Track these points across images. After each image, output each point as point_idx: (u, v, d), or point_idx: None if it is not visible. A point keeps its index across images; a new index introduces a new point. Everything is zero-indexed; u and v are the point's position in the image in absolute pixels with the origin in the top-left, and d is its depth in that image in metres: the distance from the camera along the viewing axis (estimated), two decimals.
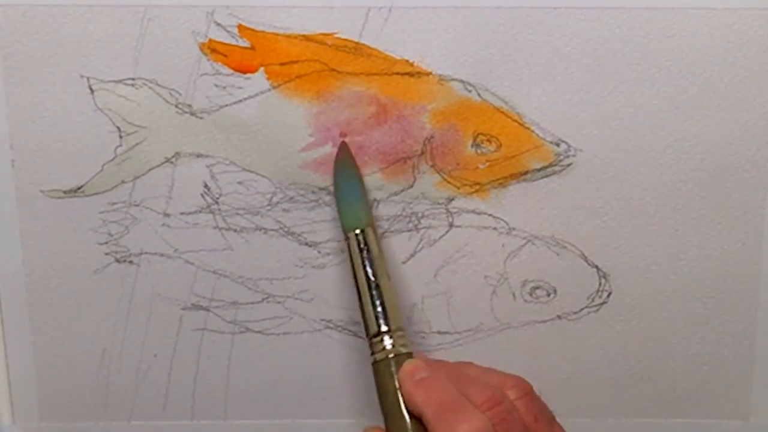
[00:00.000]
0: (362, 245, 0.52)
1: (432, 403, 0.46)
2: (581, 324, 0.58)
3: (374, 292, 0.50)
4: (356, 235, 0.52)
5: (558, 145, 0.55)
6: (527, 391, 0.48)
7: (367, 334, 0.50)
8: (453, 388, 0.47)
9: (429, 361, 0.50)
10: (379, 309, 0.50)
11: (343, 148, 0.54)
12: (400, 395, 0.48)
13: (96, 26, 0.53)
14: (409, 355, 0.49)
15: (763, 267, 0.57)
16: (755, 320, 0.58)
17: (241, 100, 0.54)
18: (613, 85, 0.54)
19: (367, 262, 0.51)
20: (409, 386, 0.47)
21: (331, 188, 0.55)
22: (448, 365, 0.50)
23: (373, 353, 0.50)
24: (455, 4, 0.52)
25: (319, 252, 0.56)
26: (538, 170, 0.55)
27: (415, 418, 0.47)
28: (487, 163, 0.55)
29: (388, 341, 0.49)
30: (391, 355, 0.49)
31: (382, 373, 0.49)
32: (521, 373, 0.58)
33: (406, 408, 0.47)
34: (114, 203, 0.56)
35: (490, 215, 0.56)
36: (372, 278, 0.51)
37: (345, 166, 0.54)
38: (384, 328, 0.50)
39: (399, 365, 0.49)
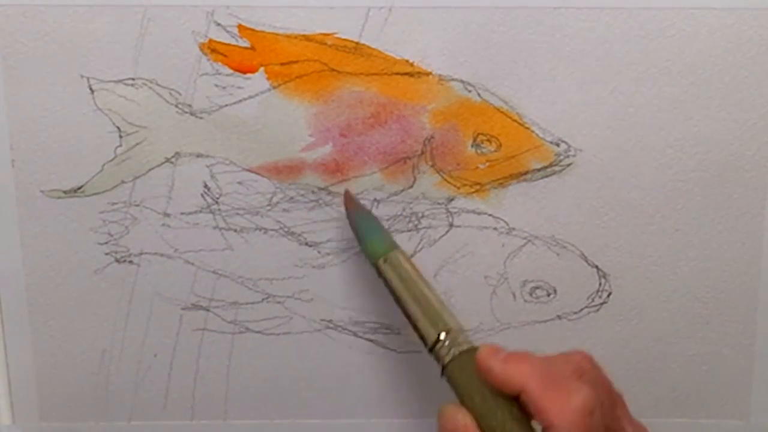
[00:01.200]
0: (393, 267, 0.51)
1: (534, 375, 0.44)
2: (581, 324, 0.58)
3: (420, 304, 0.50)
4: (383, 261, 0.52)
5: (558, 145, 0.55)
6: (594, 363, 0.47)
7: (428, 347, 0.49)
8: (543, 359, 0.45)
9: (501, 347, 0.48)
10: (430, 317, 0.49)
11: (347, 195, 0.55)
12: (485, 385, 0.45)
13: (96, 26, 0.53)
14: (476, 349, 0.47)
15: (763, 267, 0.57)
16: (755, 320, 0.58)
17: (241, 100, 0.54)
18: (613, 85, 0.54)
19: (399, 282, 0.51)
20: (498, 365, 0.45)
21: (331, 188, 0.55)
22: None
23: (439, 360, 0.48)
24: (455, 4, 0.52)
25: (319, 252, 0.56)
26: (538, 170, 0.55)
27: (512, 398, 0.45)
28: (487, 163, 0.55)
29: (448, 343, 0.48)
30: (458, 352, 0.47)
31: (458, 372, 0.47)
32: None
33: (500, 391, 0.45)
34: (114, 203, 0.56)
35: (490, 215, 0.56)
36: (413, 293, 0.50)
37: (355, 205, 0.54)
38: (443, 336, 0.48)
39: (470, 360, 0.46)
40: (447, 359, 0.47)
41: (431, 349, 0.48)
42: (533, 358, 0.45)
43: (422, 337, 0.49)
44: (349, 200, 0.54)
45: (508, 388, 0.45)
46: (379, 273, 0.52)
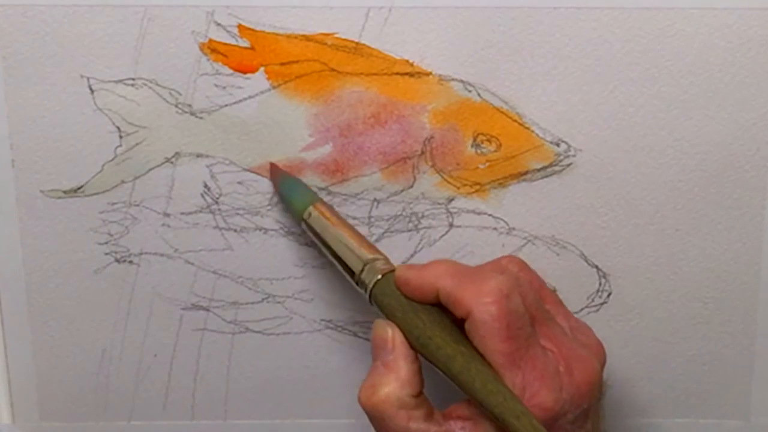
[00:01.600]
0: (313, 223, 0.52)
1: (448, 272, 0.45)
2: None
3: (337, 249, 0.50)
4: (307, 216, 0.52)
5: (558, 145, 0.55)
6: (523, 266, 0.48)
7: (353, 278, 0.49)
8: (459, 263, 0.46)
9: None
10: (351, 254, 0.50)
11: (272, 167, 0.55)
12: (406, 300, 0.46)
13: (96, 26, 0.53)
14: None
15: (763, 267, 0.57)
16: (755, 320, 0.58)
17: (241, 100, 0.54)
18: (613, 85, 0.54)
19: (322, 232, 0.51)
20: (414, 273, 0.46)
21: (331, 188, 0.55)
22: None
23: (365, 291, 0.49)
24: (455, 4, 0.52)
25: (319, 252, 0.56)
26: (538, 170, 0.55)
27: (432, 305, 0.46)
28: (487, 163, 0.55)
29: (368, 271, 0.49)
30: (380, 277, 0.48)
31: (380, 295, 0.48)
32: None
33: (420, 299, 0.46)
34: (114, 203, 0.56)
35: (490, 215, 0.56)
36: (331, 240, 0.51)
37: (279, 174, 0.55)
38: (363, 267, 0.49)
39: (391, 280, 0.48)
40: (370, 286, 0.48)
41: (357, 283, 0.49)
42: (448, 261, 0.46)
43: (350, 275, 0.50)
44: (274, 171, 0.55)
45: (425, 293, 0.46)
46: (306, 230, 0.53)
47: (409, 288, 0.47)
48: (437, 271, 0.46)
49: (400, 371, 0.46)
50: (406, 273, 0.47)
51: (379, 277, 0.48)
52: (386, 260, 0.50)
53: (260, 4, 0.53)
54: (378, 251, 0.50)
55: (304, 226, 0.53)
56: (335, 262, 0.51)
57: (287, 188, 0.54)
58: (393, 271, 0.48)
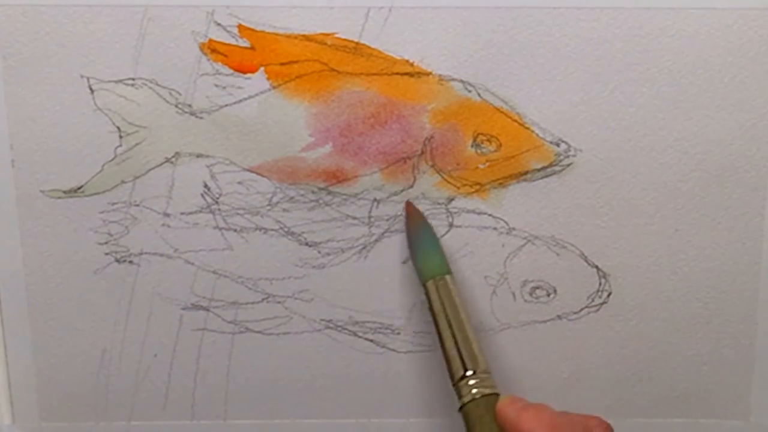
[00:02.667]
0: (441, 292, 0.52)
1: (544, 423, 0.46)
2: (581, 324, 0.58)
3: (457, 337, 0.51)
4: (434, 282, 0.53)
5: (558, 145, 0.55)
6: (609, 429, 0.49)
7: (453, 381, 0.50)
8: (558, 413, 0.47)
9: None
10: (464, 352, 0.50)
11: (410, 206, 0.55)
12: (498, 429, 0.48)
13: (96, 26, 0.53)
14: (497, 396, 0.49)
15: (763, 267, 0.57)
16: (755, 320, 0.58)
17: (241, 100, 0.54)
18: (613, 85, 0.54)
19: (448, 309, 0.52)
20: (514, 411, 0.47)
21: (331, 188, 0.55)
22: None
23: (460, 397, 0.49)
24: (455, 4, 0.52)
25: (319, 252, 0.56)
26: (538, 170, 0.55)
27: None
28: (487, 163, 0.55)
29: (473, 382, 0.49)
30: (479, 396, 0.49)
31: (473, 413, 0.48)
32: (521, 372, 0.58)
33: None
34: (114, 203, 0.56)
35: (490, 215, 0.56)
36: (453, 323, 0.51)
37: (417, 218, 0.55)
38: (469, 372, 0.49)
39: (490, 405, 0.48)
40: (467, 399, 0.49)
41: (455, 383, 0.50)
42: (547, 412, 0.47)
43: (450, 369, 0.50)
44: (411, 213, 0.55)
45: None
46: (426, 294, 0.53)
47: (506, 424, 0.47)
48: (534, 422, 0.46)
49: None
50: (507, 408, 0.48)
51: (480, 396, 0.48)
52: (489, 374, 0.50)
53: (260, 4, 0.53)
54: (484, 359, 0.50)
55: (431, 286, 0.53)
56: (440, 346, 0.51)
57: (424, 240, 0.54)
58: (495, 395, 0.49)
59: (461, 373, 0.50)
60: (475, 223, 0.56)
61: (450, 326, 0.51)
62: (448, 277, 0.53)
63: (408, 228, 0.55)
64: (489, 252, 0.56)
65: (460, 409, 0.49)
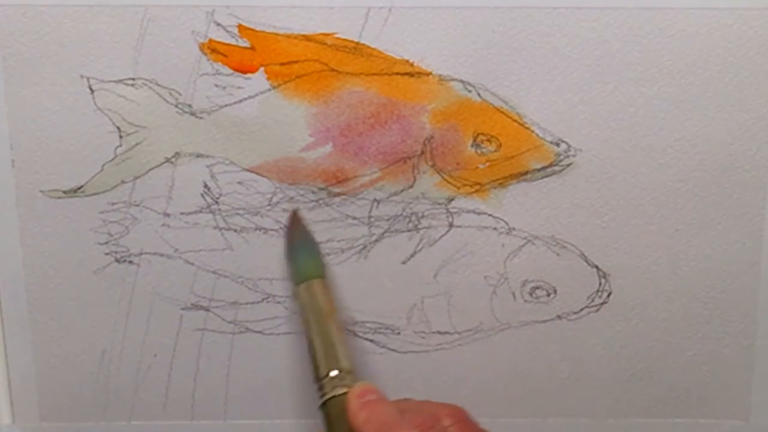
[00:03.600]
0: (308, 296, 0.53)
1: (374, 423, 0.47)
2: (581, 324, 0.58)
3: (317, 340, 0.51)
4: (304, 287, 0.53)
5: (558, 145, 0.55)
6: (461, 418, 0.49)
7: (315, 379, 0.50)
8: (395, 411, 0.47)
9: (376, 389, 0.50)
10: (320, 354, 0.50)
11: (294, 216, 0.55)
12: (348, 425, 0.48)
13: (96, 26, 0.53)
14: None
15: (763, 267, 0.57)
16: (755, 320, 0.58)
17: (241, 100, 0.54)
18: (613, 85, 0.54)
19: (311, 314, 0.52)
20: (355, 406, 0.48)
21: (332, 189, 0.55)
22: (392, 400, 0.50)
23: (321, 395, 0.49)
24: (455, 4, 0.52)
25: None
26: (538, 170, 0.55)
27: None
28: (487, 163, 0.55)
29: (333, 381, 0.49)
30: (336, 394, 0.49)
31: (331, 410, 0.49)
32: (521, 372, 0.58)
33: (352, 429, 0.48)
34: (114, 203, 0.56)
35: (490, 215, 0.56)
36: (313, 327, 0.52)
37: (296, 224, 0.55)
38: (332, 373, 0.49)
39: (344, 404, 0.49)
40: (327, 396, 0.49)
41: (318, 381, 0.50)
42: (386, 408, 0.48)
43: (315, 368, 0.50)
44: (295, 221, 0.55)
45: (355, 430, 0.48)
46: (295, 297, 0.53)
47: (349, 413, 0.48)
48: (368, 418, 0.47)
49: None
50: (354, 402, 0.48)
51: (339, 393, 0.49)
52: (352, 374, 0.50)
53: (260, 4, 0.53)
54: (349, 359, 0.51)
55: (295, 293, 0.54)
56: (308, 347, 0.52)
57: (299, 248, 0.55)
58: (345, 393, 0.49)
59: (324, 373, 0.50)
60: (475, 223, 0.56)
61: (317, 328, 0.51)
62: (316, 280, 0.53)
63: (287, 236, 0.55)
64: (489, 252, 0.56)
65: (320, 408, 0.49)
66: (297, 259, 0.55)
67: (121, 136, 0.55)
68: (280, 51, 0.53)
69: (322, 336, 0.51)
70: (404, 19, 0.53)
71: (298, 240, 0.55)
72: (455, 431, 0.48)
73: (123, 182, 0.55)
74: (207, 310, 0.58)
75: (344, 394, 0.49)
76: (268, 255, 0.57)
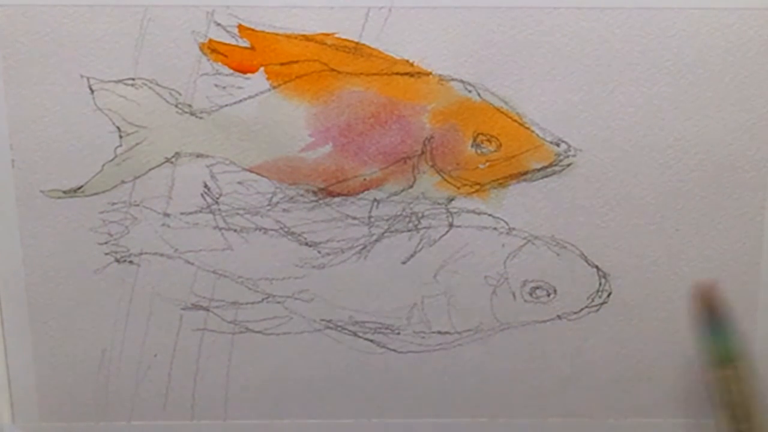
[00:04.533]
0: (738, 379, 0.53)
1: None
2: (581, 324, 0.58)
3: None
4: (733, 368, 0.53)
5: (558, 145, 0.55)
6: None
7: None
8: None
9: None
10: None
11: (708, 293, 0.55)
12: None
13: (96, 26, 0.53)
14: None
15: (763, 267, 0.57)
16: (755, 320, 0.58)
17: (241, 100, 0.54)
18: (613, 85, 0.54)
19: (740, 396, 0.53)
20: None
21: (331, 188, 0.55)
22: None
23: None
24: (455, 4, 0.52)
25: (319, 252, 0.56)
26: (538, 170, 0.55)
27: None
28: (487, 163, 0.55)
29: None
30: None
31: None
32: (521, 372, 0.58)
33: None
34: (114, 203, 0.56)
35: (490, 215, 0.56)
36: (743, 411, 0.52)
37: (715, 305, 0.55)
38: None
39: None
40: None
41: None
42: None
43: None
44: (710, 299, 0.55)
45: None
46: (720, 376, 0.53)
47: None
48: None
49: None
50: None
51: None
52: None
53: (260, 4, 0.53)
54: None
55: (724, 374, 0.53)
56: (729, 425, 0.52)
57: (724, 323, 0.54)
58: None
59: None
60: (475, 223, 0.56)
61: (745, 412, 0.52)
62: (743, 363, 0.53)
63: (703, 312, 0.55)
64: (489, 252, 0.56)
65: None
66: (723, 334, 0.54)
67: (121, 136, 0.55)
68: (280, 51, 0.53)
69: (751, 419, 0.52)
70: (404, 19, 0.53)
71: (720, 316, 0.54)
72: None
73: (123, 182, 0.55)
74: (207, 310, 0.58)
75: None
76: (268, 255, 0.57)
